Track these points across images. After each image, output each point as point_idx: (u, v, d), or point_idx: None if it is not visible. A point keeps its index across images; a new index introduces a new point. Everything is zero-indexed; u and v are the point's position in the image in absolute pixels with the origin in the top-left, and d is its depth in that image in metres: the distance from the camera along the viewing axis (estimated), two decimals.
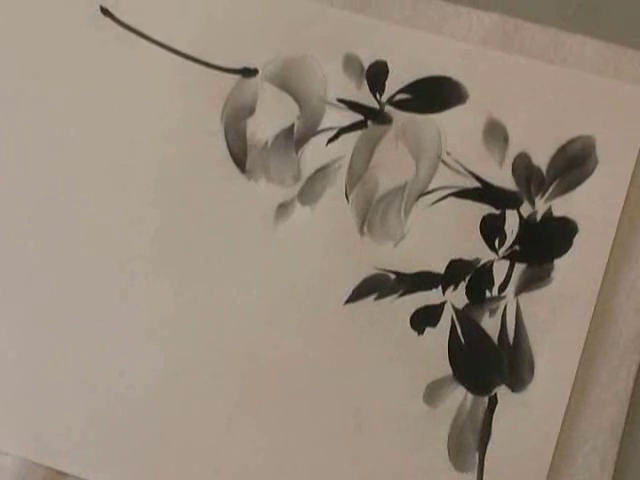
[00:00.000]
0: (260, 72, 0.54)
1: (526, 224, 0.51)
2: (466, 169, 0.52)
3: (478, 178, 0.52)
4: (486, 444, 0.49)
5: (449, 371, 0.50)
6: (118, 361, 0.51)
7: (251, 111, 0.53)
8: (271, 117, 0.53)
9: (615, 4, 0.55)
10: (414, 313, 0.50)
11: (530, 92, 0.52)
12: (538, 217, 0.51)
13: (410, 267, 0.51)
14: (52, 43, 0.55)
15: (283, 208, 0.52)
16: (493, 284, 0.50)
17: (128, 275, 0.52)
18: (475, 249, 0.51)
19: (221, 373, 0.51)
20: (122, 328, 0.52)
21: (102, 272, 0.53)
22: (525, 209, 0.51)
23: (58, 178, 0.54)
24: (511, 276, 0.50)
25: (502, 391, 0.49)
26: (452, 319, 0.50)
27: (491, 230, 0.51)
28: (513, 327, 0.50)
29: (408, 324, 0.50)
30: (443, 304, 0.50)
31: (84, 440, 0.50)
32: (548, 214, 0.51)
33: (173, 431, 0.50)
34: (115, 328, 0.52)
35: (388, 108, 0.53)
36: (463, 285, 0.51)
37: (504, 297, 0.50)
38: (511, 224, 0.51)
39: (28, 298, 0.52)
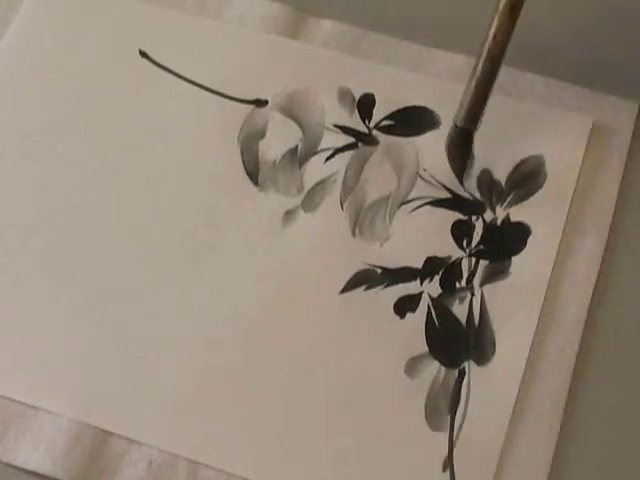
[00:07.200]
0: (270, 103, 0.57)
1: (489, 228, 0.54)
2: (439, 182, 0.55)
3: (449, 190, 0.55)
4: (456, 408, 0.50)
5: (426, 349, 0.51)
6: (158, 335, 0.52)
7: (262, 135, 0.57)
8: (279, 140, 0.57)
9: (560, 49, 0.58)
10: (397, 301, 0.52)
11: (491, 119, 0.54)
12: (498, 222, 0.54)
13: (394, 263, 0.53)
14: (101, 78, 0.59)
15: (289, 215, 0.55)
16: (462, 277, 0.53)
17: (166, 267, 0.54)
18: (447, 248, 0.54)
19: (241, 343, 0.52)
20: (162, 309, 0.53)
21: (146, 263, 0.54)
22: (488, 215, 0.54)
23: (109, 187, 0.56)
24: (476, 270, 0.53)
25: (469, 365, 0.51)
26: (428, 306, 0.52)
27: (460, 233, 0.54)
28: (478, 312, 0.52)
29: (392, 310, 0.52)
30: (421, 293, 0.53)
31: (128, 403, 0.51)
32: (506, 219, 0.54)
33: (200, 393, 0.51)
34: (157, 309, 0.53)
35: (375, 132, 0.57)
36: (437, 278, 0.53)
37: (471, 288, 0.53)
38: (476, 228, 0.54)
39: (83, 285, 0.54)
